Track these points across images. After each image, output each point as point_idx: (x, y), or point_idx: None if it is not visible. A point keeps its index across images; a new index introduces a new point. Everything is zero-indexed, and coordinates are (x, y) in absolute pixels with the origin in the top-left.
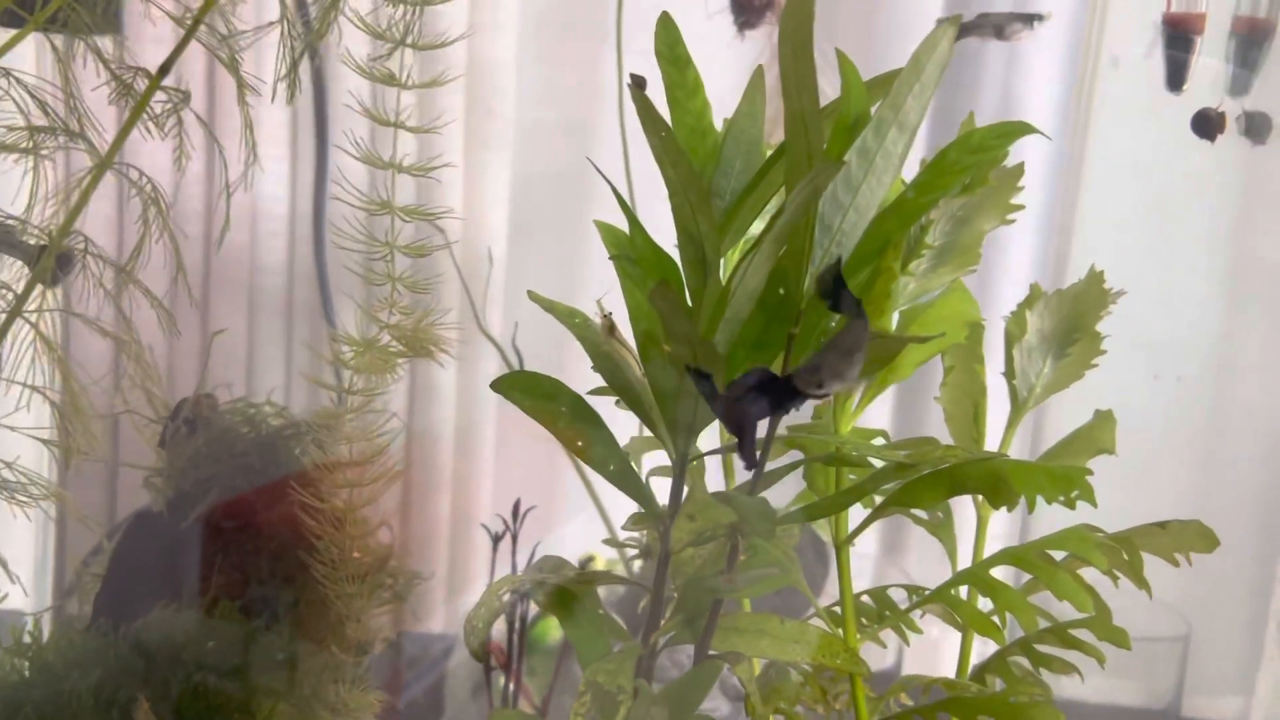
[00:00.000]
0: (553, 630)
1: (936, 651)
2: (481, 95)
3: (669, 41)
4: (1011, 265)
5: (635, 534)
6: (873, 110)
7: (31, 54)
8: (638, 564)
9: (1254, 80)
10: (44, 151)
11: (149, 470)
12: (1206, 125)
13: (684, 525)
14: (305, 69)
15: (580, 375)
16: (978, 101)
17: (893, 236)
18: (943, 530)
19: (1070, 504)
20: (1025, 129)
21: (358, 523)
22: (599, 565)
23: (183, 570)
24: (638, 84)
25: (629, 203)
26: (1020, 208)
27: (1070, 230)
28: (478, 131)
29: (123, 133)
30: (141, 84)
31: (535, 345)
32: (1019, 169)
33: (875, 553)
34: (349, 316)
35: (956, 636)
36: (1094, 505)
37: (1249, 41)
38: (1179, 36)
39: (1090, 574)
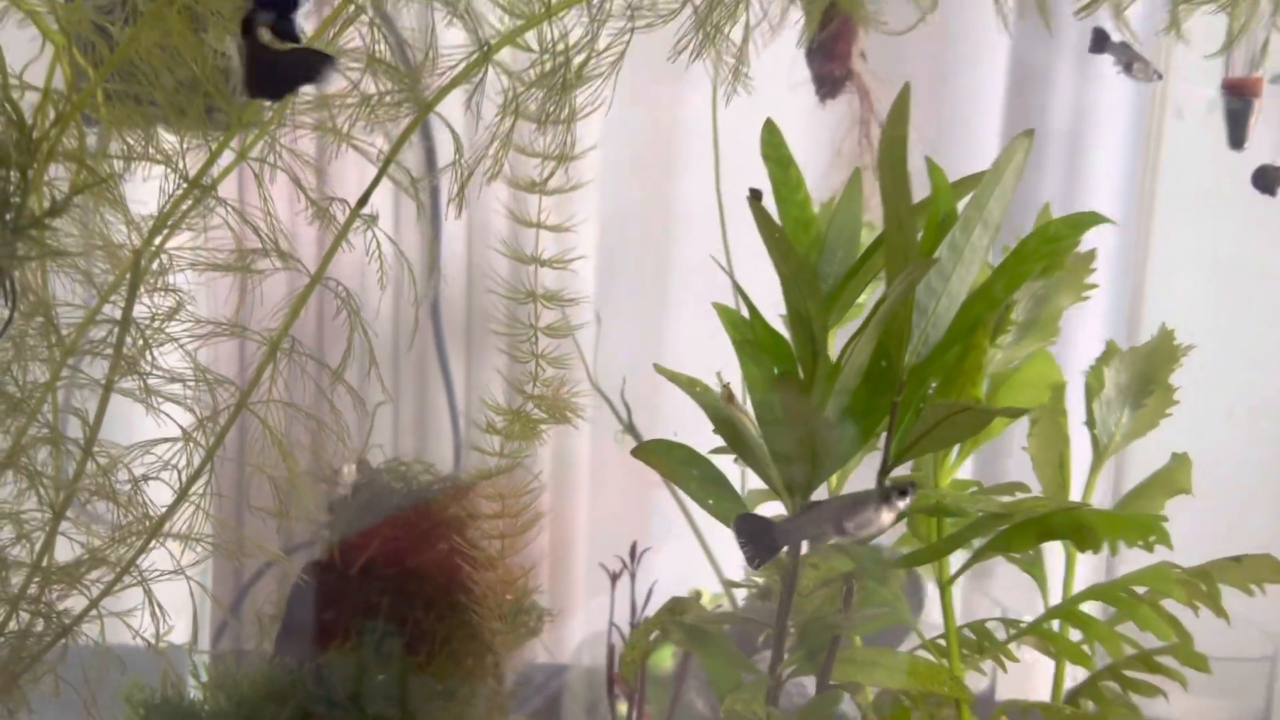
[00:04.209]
0: (665, 660)
1: (1029, 676)
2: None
3: (773, 144)
4: (1087, 308)
5: (747, 576)
6: (959, 207)
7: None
8: (740, 598)
9: None
10: (257, 270)
11: (319, 524)
12: (1266, 180)
13: (809, 572)
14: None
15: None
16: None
17: (981, 317)
18: (1034, 567)
19: (1149, 548)
20: (1095, 219)
21: (506, 567)
22: (706, 599)
23: (350, 611)
24: (755, 196)
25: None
26: (1094, 286)
27: (1144, 269)
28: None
29: (329, 253)
30: (338, 209)
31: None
32: (1091, 254)
33: (964, 581)
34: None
35: (1048, 661)
36: (1170, 548)
37: None
38: (1239, 100)
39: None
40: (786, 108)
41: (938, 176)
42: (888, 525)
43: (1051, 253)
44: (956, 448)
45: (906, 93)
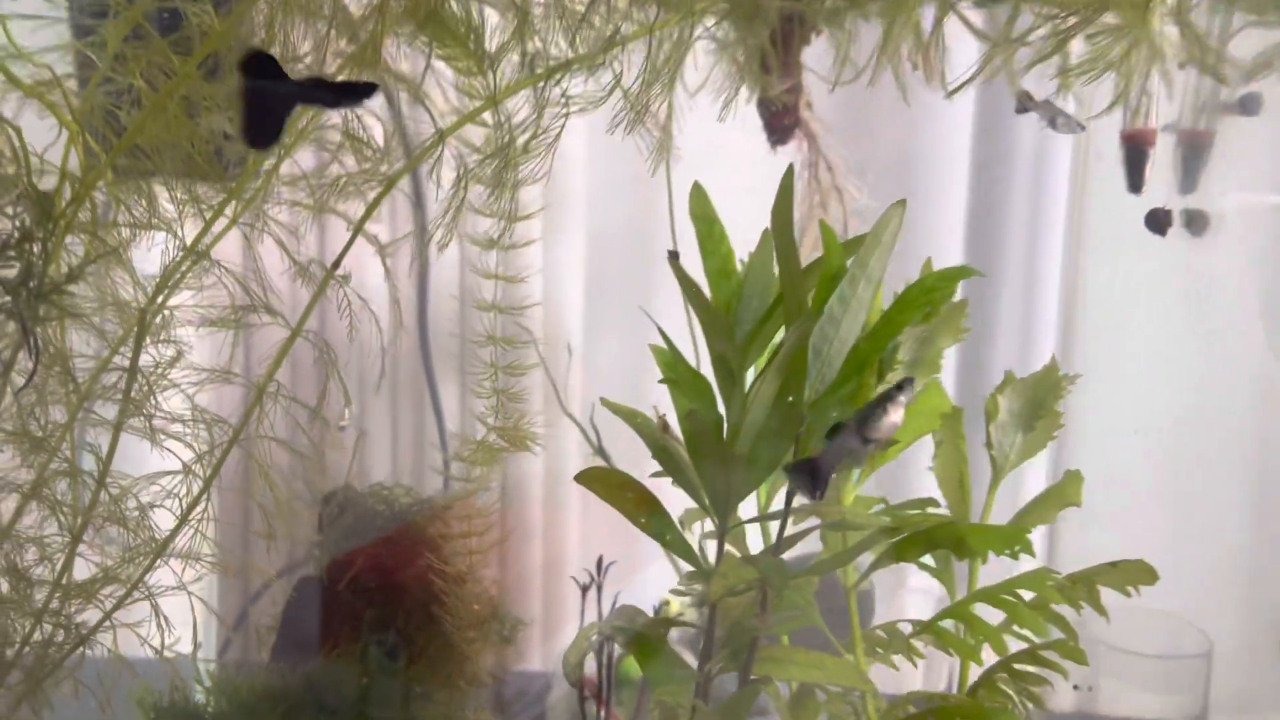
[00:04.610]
0: (636, 667)
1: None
2: (556, 187)
3: (700, 204)
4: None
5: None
6: (849, 263)
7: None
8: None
9: (1198, 182)
10: (245, 325)
11: (311, 543)
12: (1157, 222)
13: (718, 582)
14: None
15: None
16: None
17: (869, 359)
18: (944, 574)
19: (1014, 556)
20: (966, 273)
21: (476, 580)
22: (674, 608)
23: (339, 622)
24: (673, 257)
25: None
26: (968, 330)
27: (1075, 295)
28: (554, 221)
29: (308, 309)
30: (315, 269)
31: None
32: (963, 303)
33: (938, 591)
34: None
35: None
36: (1032, 556)
37: (1191, 150)
38: (1135, 149)
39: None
40: (740, 151)
41: (829, 238)
42: (899, 420)
43: (929, 301)
44: (857, 472)
45: (790, 177)
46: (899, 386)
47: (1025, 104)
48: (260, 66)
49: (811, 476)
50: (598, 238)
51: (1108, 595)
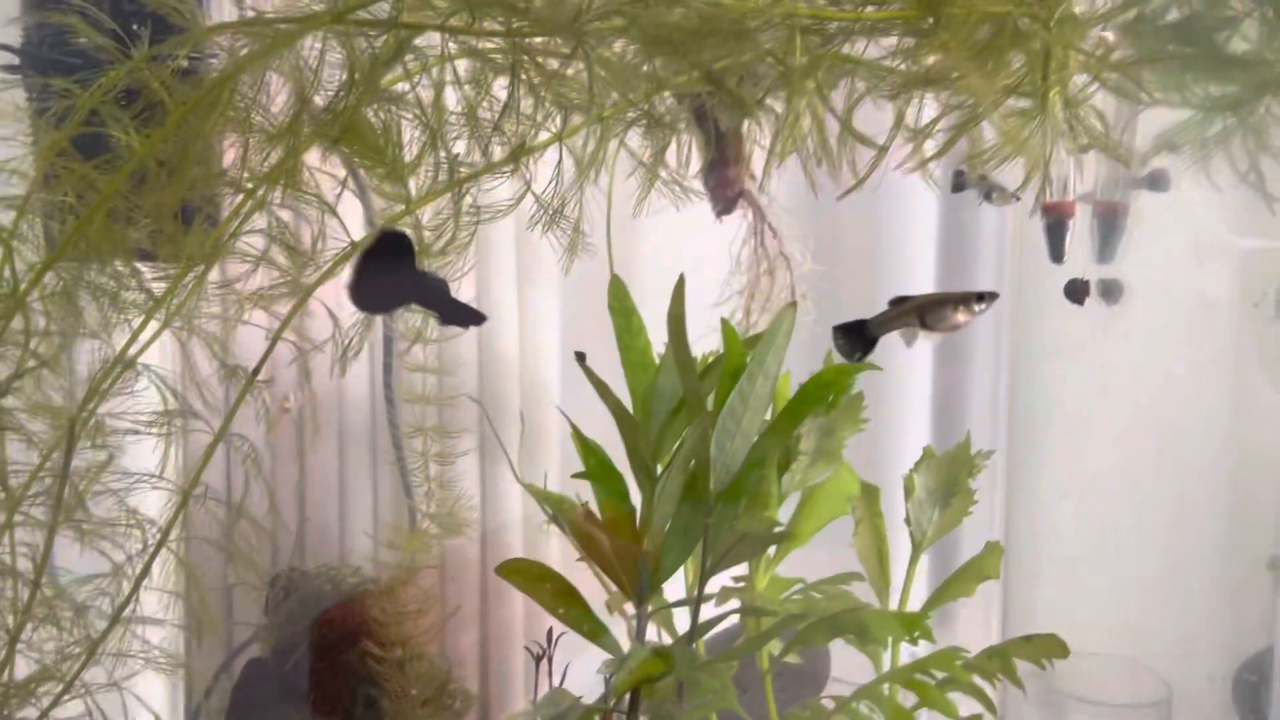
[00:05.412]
0: None
1: None
2: (529, 238)
3: (618, 296)
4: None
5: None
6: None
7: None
8: None
9: (1116, 251)
10: (171, 429)
11: (257, 626)
12: (1075, 292)
13: (624, 675)
14: None
15: None
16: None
17: (770, 452)
18: (872, 647)
19: (914, 642)
20: (861, 368)
21: (417, 660)
22: None
23: (287, 703)
24: (580, 358)
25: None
26: (866, 421)
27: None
28: (529, 271)
29: (230, 414)
30: (241, 373)
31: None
32: (860, 395)
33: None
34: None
35: None
36: (932, 641)
37: (1107, 221)
38: (1055, 220)
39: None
40: (688, 217)
41: (730, 336)
42: (962, 324)
43: (827, 394)
44: (773, 552)
45: (682, 283)
46: (980, 297)
47: (960, 181)
48: (391, 244)
49: (856, 339)
50: (574, 287)
51: (1071, 643)
